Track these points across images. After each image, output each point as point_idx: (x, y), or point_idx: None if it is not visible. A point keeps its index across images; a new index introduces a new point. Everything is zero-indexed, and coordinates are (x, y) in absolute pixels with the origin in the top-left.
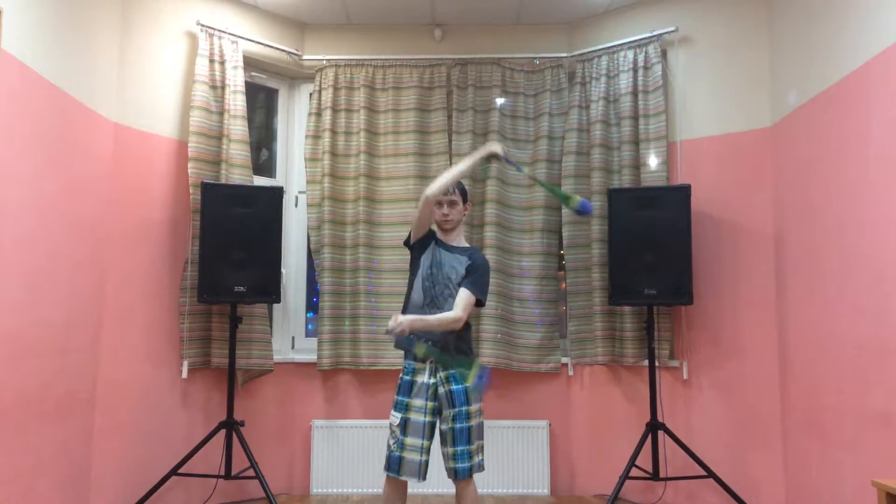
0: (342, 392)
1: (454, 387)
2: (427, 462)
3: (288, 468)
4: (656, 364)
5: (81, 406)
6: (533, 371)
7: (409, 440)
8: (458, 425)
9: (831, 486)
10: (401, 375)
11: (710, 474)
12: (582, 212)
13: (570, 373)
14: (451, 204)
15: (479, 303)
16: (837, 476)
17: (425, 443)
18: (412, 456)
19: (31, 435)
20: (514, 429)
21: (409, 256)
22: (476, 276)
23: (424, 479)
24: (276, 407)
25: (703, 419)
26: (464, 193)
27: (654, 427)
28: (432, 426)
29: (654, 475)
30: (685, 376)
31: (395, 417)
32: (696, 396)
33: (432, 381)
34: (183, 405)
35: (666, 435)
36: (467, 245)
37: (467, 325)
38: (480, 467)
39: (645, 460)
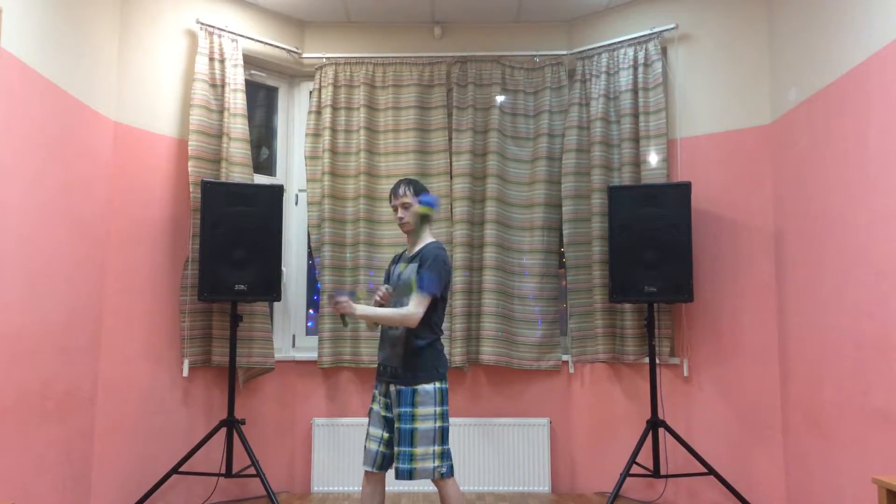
0: (343, 390)
1: (401, 387)
2: (384, 454)
3: (289, 466)
4: (657, 361)
5: (82, 405)
6: (533, 369)
7: (370, 430)
8: (401, 426)
9: (832, 483)
10: None
11: (711, 471)
12: None
13: (571, 370)
14: (405, 206)
15: (434, 297)
16: (838, 473)
17: (384, 434)
18: (370, 445)
19: (32, 434)
20: (515, 426)
21: None
22: (423, 271)
23: (382, 469)
24: (277, 405)
25: (704, 416)
26: (417, 192)
27: (654, 424)
28: (388, 420)
29: (655, 472)
30: (686, 374)
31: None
32: (696, 394)
33: (386, 377)
34: (184, 404)
35: (666, 432)
36: (428, 241)
37: (430, 345)
38: (435, 473)
39: (646, 457)
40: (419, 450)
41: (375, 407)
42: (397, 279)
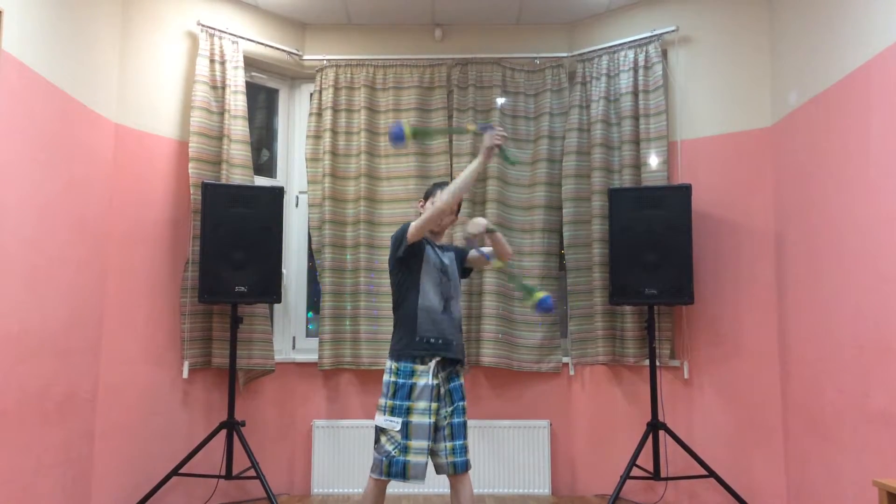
0: (343, 392)
1: (452, 384)
2: (427, 463)
3: (289, 468)
4: (657, 364)
5: (82, 406)
6: (534, 371)
7: (413, 443)
8: (456, 420)
9: (832, 486)
10: (391, 379)
11: (711, 474)
12: (542, 308)
13: (571, 372)
14: (451, 212)
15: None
16: (838, 475)
17: (430, 444)
18: (418, 459)
19: (33, 435)
20: (515, 429)
21: (397, 261)
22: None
23: (424, 480)
24: (277, 407)
25: (704, 419)
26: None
27: (654, 427)
28: (435, 427)
29: (655, 475)
30: (686, 376)
31: (395, 422)
32: (696, 396)
33: (435, 381)
34: (184, 405)
35: (667, 435)
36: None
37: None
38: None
39: (646, 460)
40: (469, 440)
41: (420, 419)
42: (441, 267)
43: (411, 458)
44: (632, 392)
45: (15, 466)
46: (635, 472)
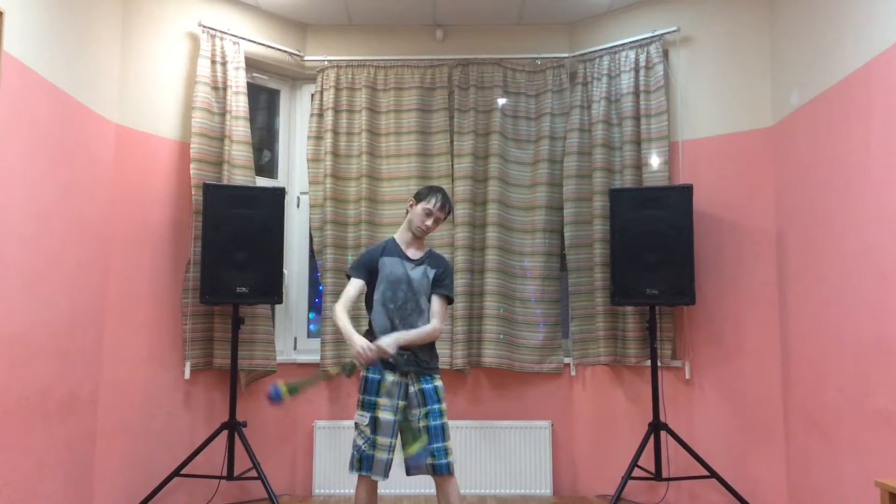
0: (344, 393)
1: (425, 385)
2: (392, 461)
3: (290, 469)
4: (658, 364)
5: (84, 407)
6: (535, 371)
7: (380, 439)
8: (432, 423)
9: (833, 486)
10: (363, 374)
11: (713, 474)
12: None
13: (573, 373)
14: (437, 221)
15: (451, 301)
16: (839, 476)
17: (393, 441)
18: (381, 455)
19: (34, 436)
20: (517, 429)
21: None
22: (447, 281)
23: (387, 477)
24: (278, 408)
25: (706, 419)
26: (451, 210)
27: (656, 427)
28: (398, 425)
29: (657, 475)
30: (687, 376)
31: (364, 416)
32: (698, 396)
33: (403, 380)
34: (185, 406)
35: (668, 435)
36: (425, 249)
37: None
38: (453, 467)
39: (647, 460)
40: (450, 443)
41: (383, 415)
42: (406, 280)
43: (377, 453)
44: (633, 392)
45: (16, 467)
46: (637, 472)
